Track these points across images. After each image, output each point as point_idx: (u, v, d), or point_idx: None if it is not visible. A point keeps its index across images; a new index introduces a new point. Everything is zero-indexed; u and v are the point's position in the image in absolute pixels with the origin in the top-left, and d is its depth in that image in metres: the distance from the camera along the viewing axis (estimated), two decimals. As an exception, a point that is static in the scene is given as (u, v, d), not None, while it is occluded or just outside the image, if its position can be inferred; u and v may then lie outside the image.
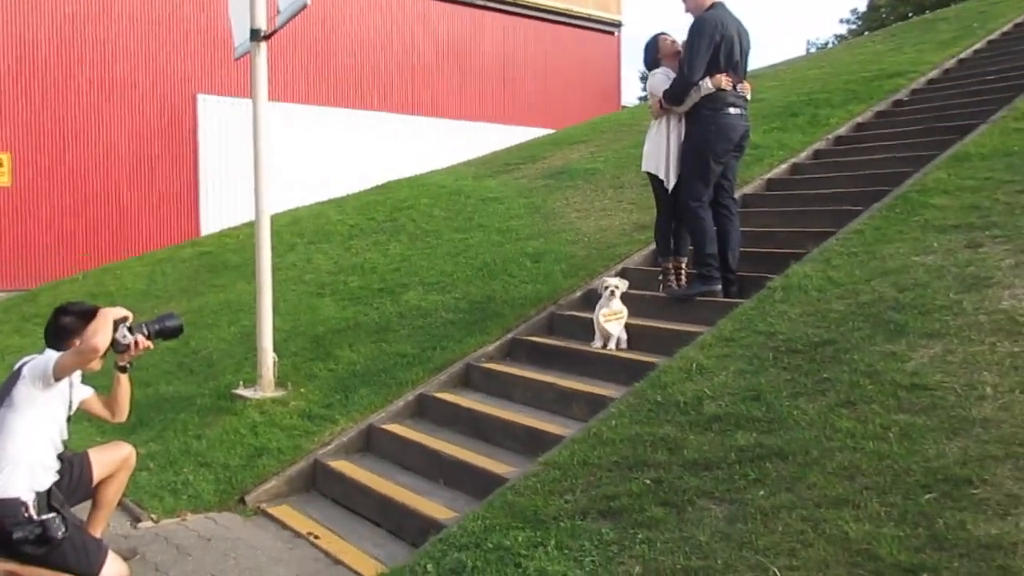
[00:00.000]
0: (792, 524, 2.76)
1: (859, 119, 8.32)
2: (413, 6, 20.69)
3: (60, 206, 16.29)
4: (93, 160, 16.60)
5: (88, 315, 3.20)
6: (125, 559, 3.49)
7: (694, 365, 4.11)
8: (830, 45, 31.57)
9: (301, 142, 18.51)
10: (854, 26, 32.78)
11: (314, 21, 18.56)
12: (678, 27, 5.21)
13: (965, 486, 2.68)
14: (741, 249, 5.46)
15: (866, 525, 2.64)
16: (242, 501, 4.56)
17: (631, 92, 34.94)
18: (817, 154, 7.78)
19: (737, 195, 6.48)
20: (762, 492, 2.98)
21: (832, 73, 10.63)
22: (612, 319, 5.11)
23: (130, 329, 3.24)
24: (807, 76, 10.94)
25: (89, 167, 16.56)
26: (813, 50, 31.79)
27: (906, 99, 8.72)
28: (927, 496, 2.69)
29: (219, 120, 17.79)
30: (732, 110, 5.13)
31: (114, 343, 3.19)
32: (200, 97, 17.70)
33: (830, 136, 8.02)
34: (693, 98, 5.13)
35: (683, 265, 5.54)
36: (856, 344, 3.77)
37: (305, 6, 4.97)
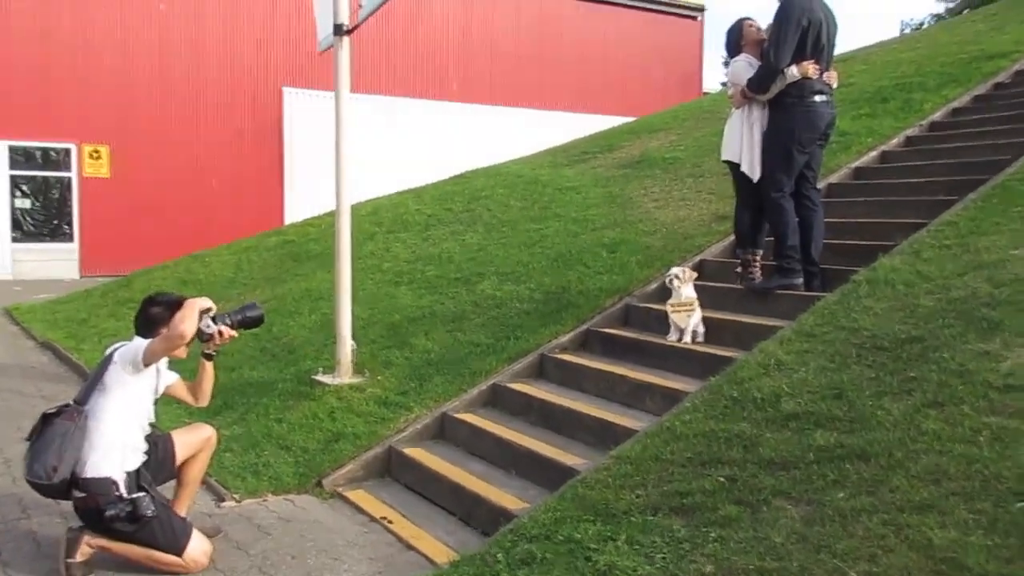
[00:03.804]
0: (873, 528, 2.66)
1: (955, 104, 7.92)
2: (492, -5, 20.74)
3: (154, 196, 17.02)
4: (185, 152, 17.28)
5: (175, 305, 3.34)
6: (209, 536, 3.64)
7: (772, 360, 4.00)
8: (925, 25, 30.15)
9: (382, 133, 18.82)
10: (952, 4, 31.19)
11: (396, 13, 18.80)
12: (761, 12, 5.05)
13: (1062, 495, 2.53)
14: (825, 241, 5.28)
15: (952, 532, 2.52)
16: (320, 484, 4.67)
17: (713, 78, 34.13)
18: (909, 141, 7.44)
19: (822, 185, 6.29)
20: (841, 494, 2.88)
21: (927, 55, 10.14)
22: (681, 311, 5.02)
23: (214, 319, 3.36)
24: (900, 59, 10.46)
25: (181, 159, 17.24)
26: (907, 31, 30.45)
27: (1007, 82, 8.26)
28: (1020, 504, 2.54)
29: (304, 112, 18.25)
30: (818, 98, 4.96)
31: (199, 332, 3.32)
32: (286, 90, 18.19)
33: (923, 122, 7.66)
34: (778, 85, 4.97)
35: (759, 257, 5.39)
36: (946, 342, 3.60)
37: (386, 0, 5.03)
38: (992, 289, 3.93)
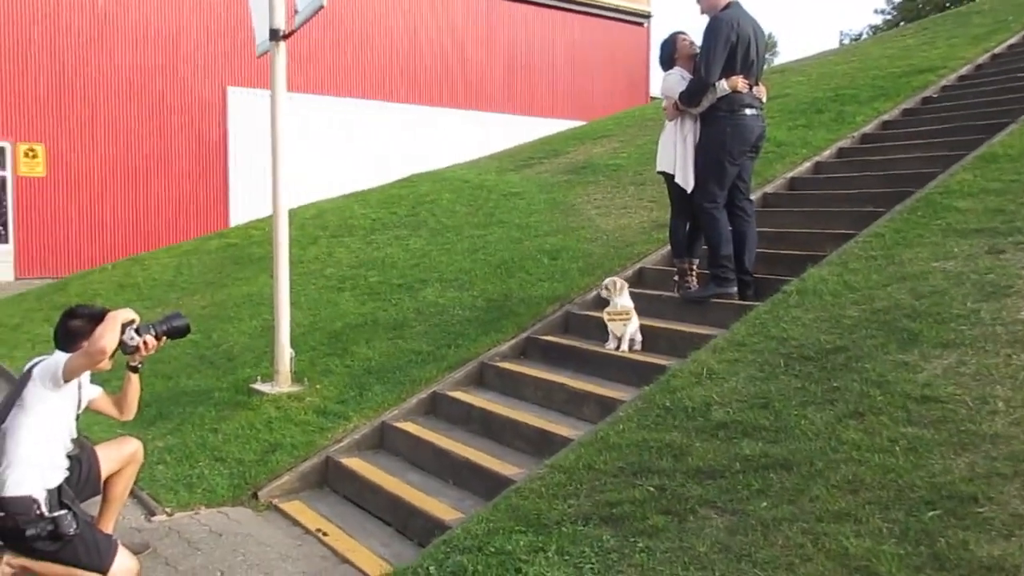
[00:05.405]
0: (792, 537, 2.73)
1: (886, 116, 8.16)
2: (442, -1, 20.71)
3: (92, 196, 16.58)
4: (124, 151, 16.87)
5: (96, 318, 3.25)
6: (136, 553, 3.56)
7: (704, 369, 4.07)
8: (864, 36, 31.00)
9: (330, 134, 18.64)
10: (889, 16, 32.16)
11: (347, 14, 18.65)
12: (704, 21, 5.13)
13: (970, 504, 2.63)
14: (759, 250, 5.40)
15: (867, 541, 2.60)
16: (255, 496, 4.61)
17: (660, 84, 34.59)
18: (841, 152, 7.65)
19: (758, 194, 6.44)
20: (764, 503, 2.95)
21: (860, 68, 10.43)
22: (617, 319, 5.08)
23: (137, 331, 3.29)
24: (835, 71, 10.75)
25: (120, 158, 16.83)
26: (846, 41, 31.27)
27: (935, 96, 8.54)
28: (931, 513, 2.64)
29: (250, 112, 17.95)
30: (748, 111, 5.07)
31: (122, 345, 3.24)
32: (231, 90, 17.87)
33: (855, 134, 7.88)
34: (709, 99, 5.07)
35: (694, 267, 5.48)
36: (868, 352, 3.72)
37: (322, 7, 4.99)
38: (913, 301, 4.07)
